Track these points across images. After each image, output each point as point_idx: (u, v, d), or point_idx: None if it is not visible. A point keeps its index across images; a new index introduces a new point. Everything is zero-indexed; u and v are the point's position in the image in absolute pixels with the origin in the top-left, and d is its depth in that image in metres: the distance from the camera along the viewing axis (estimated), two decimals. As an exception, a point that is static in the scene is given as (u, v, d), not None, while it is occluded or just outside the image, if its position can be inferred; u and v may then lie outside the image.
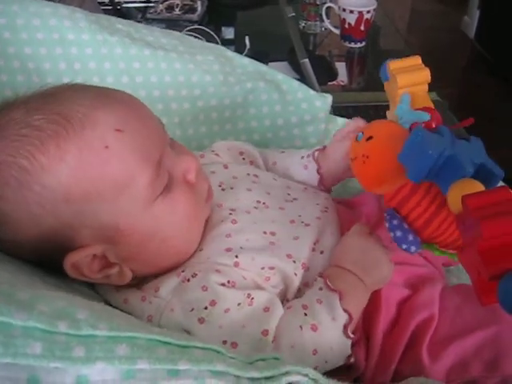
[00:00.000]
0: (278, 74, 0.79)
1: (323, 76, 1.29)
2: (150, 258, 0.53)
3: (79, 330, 0.38)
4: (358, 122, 0.65)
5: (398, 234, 0.55)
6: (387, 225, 0.56)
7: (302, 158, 0.69)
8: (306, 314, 0.50)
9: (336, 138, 0.66)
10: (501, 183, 0.54)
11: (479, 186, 0.48)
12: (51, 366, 0.36)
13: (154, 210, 0.50)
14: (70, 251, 0.48)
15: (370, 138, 0.55)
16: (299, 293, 0.55)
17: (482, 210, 0.43)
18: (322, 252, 0.58)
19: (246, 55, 1.32)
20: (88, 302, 0.44)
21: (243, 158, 0.70)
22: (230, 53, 0.79)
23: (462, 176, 0.49)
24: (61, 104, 0.48)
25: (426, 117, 0.56)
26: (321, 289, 0.52)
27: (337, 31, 1.44)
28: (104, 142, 0.47)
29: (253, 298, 0.51)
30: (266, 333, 0.49)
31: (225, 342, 0.48)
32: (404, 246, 0.55)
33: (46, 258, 0.50)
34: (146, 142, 0.50)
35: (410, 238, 0.55)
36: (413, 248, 0.55)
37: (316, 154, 0.68)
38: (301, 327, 0.49)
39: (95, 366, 0.36)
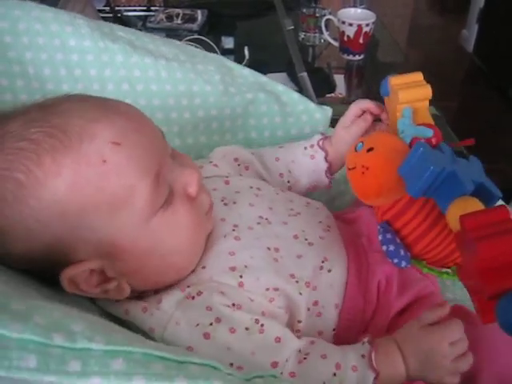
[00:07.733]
0: (278, 86, 0.79)
1: (321, 88, 1.29)
2: (149, 273, 0.52)
3: (74, 343, 0.38)
4: (360, 104, 0.66)
5: (391, 248, 0.55)
6: (380, 238, 0.56)
7: (306, 148, 0.70)
8: (335, 375, 0.48)
9: (342, 124, 0.67)
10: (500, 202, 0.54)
11: (479, 205, 0.47)
12: (46, 380, 0.35)
13: (154, 225, 0.49)
14: (67, 265, 0.47)
15: (371, 149, 0.55)
16: (309, 312, 0.54)
17: (478, 231, 0.43)
18: (329, 270, 0.57)
19: (245, 66, 1.33)
20: (84, 314, 0.44)
21: (238, 165, 0.69)
22: (230, 63, 0.79)
23: (461, 193, 0.48)
24: (59, 116, 0.47)
25: (429, 132, 0.56)
26: (363, 356, 0.49)
27: (336, 43, 1.44)
28: (101, 156, 0.46)
29: (263, 325, 0.50)
30: (275, 365, 0.48)
31: (231, 365, 0.47)
32: (395, 261, 0.55)
33: (43, 271, 0.49)
34: (145, 154, 0.48)
35: (402, 252, 0.55)
36: (403, 263, 0.55)
37: (321, 142, 0.69)
38: (324, 383, 0.48)
39: (90, 381, 0.36)
